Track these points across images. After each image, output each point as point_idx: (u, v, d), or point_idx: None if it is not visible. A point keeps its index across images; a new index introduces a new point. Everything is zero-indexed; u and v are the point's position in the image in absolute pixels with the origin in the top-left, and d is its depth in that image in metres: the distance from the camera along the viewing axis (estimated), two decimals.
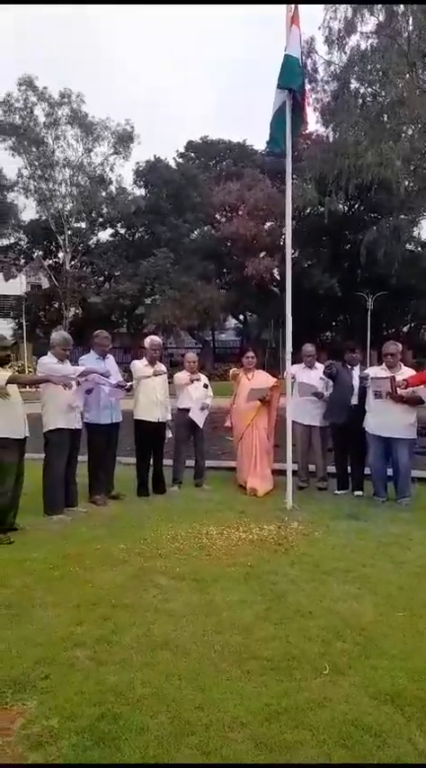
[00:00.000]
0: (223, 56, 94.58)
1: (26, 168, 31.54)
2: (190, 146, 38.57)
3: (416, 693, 2.38)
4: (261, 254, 32.22)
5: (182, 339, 38.76)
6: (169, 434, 6.32)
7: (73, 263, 33.80)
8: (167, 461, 6.37)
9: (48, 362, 5.25)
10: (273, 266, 31.00)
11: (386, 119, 21.13)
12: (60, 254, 34.88)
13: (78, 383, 5.29)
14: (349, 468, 6.17)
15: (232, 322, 45.01)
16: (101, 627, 3.00)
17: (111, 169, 33.39)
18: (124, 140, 32.64)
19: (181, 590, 3.48)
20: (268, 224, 32.54)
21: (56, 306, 35.12)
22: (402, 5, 19.28)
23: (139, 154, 51.55)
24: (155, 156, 33.82)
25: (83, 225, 34.84)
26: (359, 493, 6.05)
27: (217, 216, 37.35)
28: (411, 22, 19.37)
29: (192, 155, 38.54)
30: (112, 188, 33.66)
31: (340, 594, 3.39)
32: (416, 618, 3.07)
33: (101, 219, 35.11)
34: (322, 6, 21.21)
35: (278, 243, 30.82)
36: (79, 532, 4.67)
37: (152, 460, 6.17)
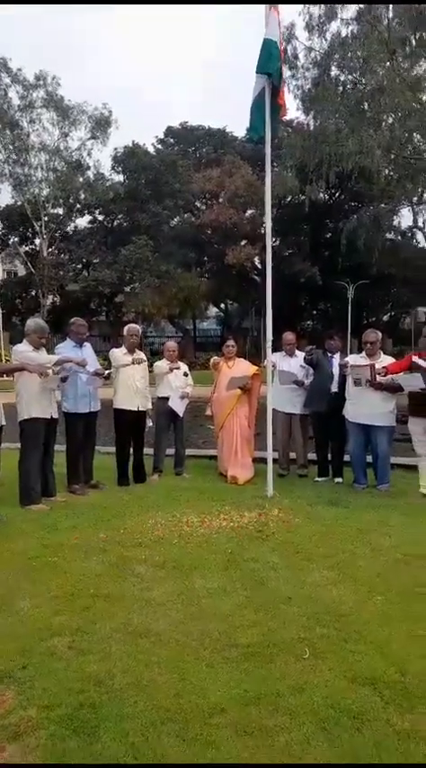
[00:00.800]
0: (203, 42, 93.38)
1: (0, 152, 30.84)
2: (170, 131, 38.02)
3: (394, 677, 2.41)
4: (242, 243, 32.07)
5: (163, 328, 38.62)
6: (149, 423, 6.28)
7: (50, 249, 33.27)
8: (147, 450, 6.34)
9: (24, 350, 5.15)
10: (254, 254, 30.89)
11: (366, 107, 21.09)
12: (37, 241, 34.27)
13: (55, 372, 5.21)
14: (329, 455, 6.22)
15: (213, 310, 44.87)
16: (80, 616, 2.98)
17: (89, 154, 32.88)
18: (102, 125, 32.09)
19: (161, 578, 3.47)
20: (248, 212, 32.35)
21: (33, 293, 34.59)
22: None
23: (118, 139, 50.81)
24: (133, 141, 33.31)
25: (60, 211, 34.28)
26: (340, 480, 6.10)
27: (197, 203, 37.02)
28: (390, 8, 19.30)
29: (171, 141, 38.00)
30: (90, 174, 33.16)
31: (319, 581, 3.42)
32: (394, 603, 3.11)
33: (78, 206, 34.55)
34: None
35: (258, 231, 30.70)
36: (58, 522, 4.62)
37: (132, 449, 6.13)
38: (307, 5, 20.74)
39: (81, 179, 32.71)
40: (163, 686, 2.37)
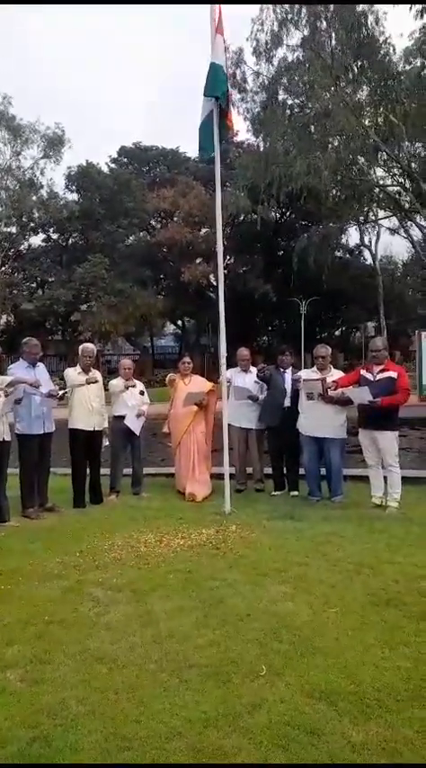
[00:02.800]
0: (154, 63, 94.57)
1: None
2: (123, 151, 38.21)
3: (349, 689, 2.44)
4: (198, 261, 32.37)
5: (120, 346, 38.33)
6: (106, 442, 6.21)
7: (3, 268, 32.62)
8: (104, 470, 6.25)
9: None
10: (209, 272, 31.19)
11: (313, 129, 21.85)
12: None
13: (6, 394, 5.10)
14: (284, 469, 6.29)
15: (170, 328, 44.91)
16: (34, 645, 2.89)
17: (42, 173, 32.56)
18: (54, 144, 31.91)
19: (118, 601, 3.42)
20: (203, 230, 32.74)
21: None
22: (324, 22, 20.02)
23: (71, 158, 50.65)
24: (87, 160, 33.27)
25: (13, 229, 33.68)
26: (295, 493, 6.18)
27: (152, 222, 37.20)
28: (333, 37, 20.15)
29: (125, 160, 38.19)
30: (43, 192, 32.79)
31: (276, 595, 3.44)
32: (348, 614, 3.15)
33: (32, 224, 34.06)
34: (249, 18, 21.70)
35: (213, 249, 30.72)
36: (11, 548, 4.50)
37: (88, 470, 6.04)
38: (255, 32, 21.35)
39: (34, 198, 32.31)
40: (119, 713, 2.32)
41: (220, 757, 2.04)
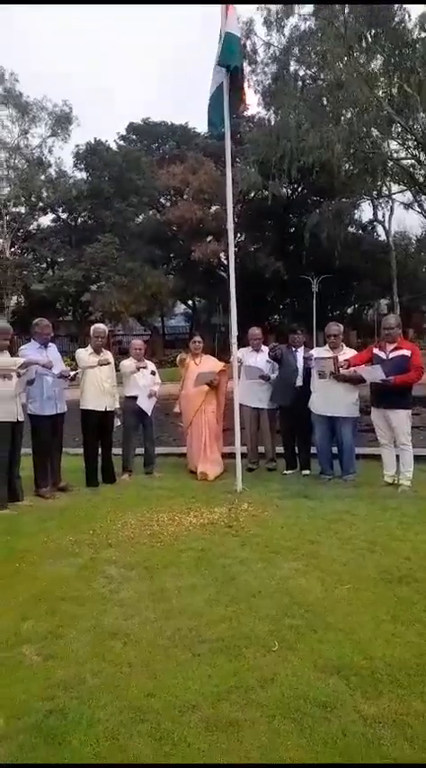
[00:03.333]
0: (164, 38, 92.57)
1: None
2: (132, 128, 37.64)
3: (361, 664, 2.46)
4: (208, 239, 32.04)
5: (131, 326, 38.27)
6: (118, 423, 6.24)
7: (12, 249, 32.56)
8: (116, 450, 6.30)
9: None
10: (220, 250, 30.89)
11: (325, 102, 21.37)
12: None
13: (19, 374, 5.12)
14: (296, 448, 6.29)
15: (181, 307, 44.75)
16: (48, 621, 2.94)
17: (50, 151, 32.31)
18: (62, 122, 31.55)
19: (131, 579, 3.46)
20: (213, 208, 32.33)
21: None
22: None
23: (79, 136, 50.10)
24: (95, 138, 32.86)
25: (22, 210, 33.55)
26: (307, 472, 6.18)
27: (162, 200, 36.82)
28: (346, 5, 19.54)
29: (134, 137, 37.64)
30: (52, 171, 32.57)
31: (288, 572, 3.46)
32: (360, 591, 3.17)
33: (41, 204, 33.89)
34: None
35: (224, 227, 30.50)
36: (26, 527, 4.56)
37: (100, 450, 6.08)
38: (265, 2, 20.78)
39: (43, 177, 32.10)
40: (133, 687, 2.37)
41: (233, 730, 2.08)
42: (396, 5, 19.38)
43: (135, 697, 2.29)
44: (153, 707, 2.23)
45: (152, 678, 2.42)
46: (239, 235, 32.10)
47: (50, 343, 5.83)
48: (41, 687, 2.38)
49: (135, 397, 6.26)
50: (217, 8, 5.35)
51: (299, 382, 6.01)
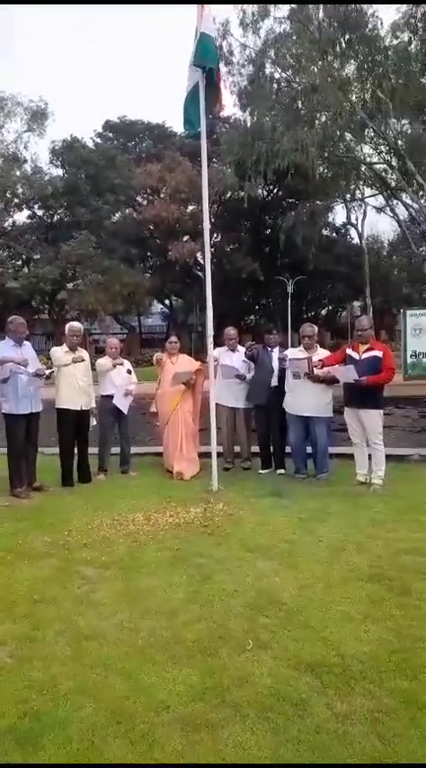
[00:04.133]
0: (141, 38, 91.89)
1: None
2: (108, 125, 37.32)
3: (333, 661, 2.50)
4: (185, 238, 31.99)
5: (107, 325, 37.94)
6: (93, 422, 6.20)
7: None
8: (92, 449, 6.25)
9: None
10: (197, 250, 30.81)
11: (300, 105, 21.52)
12: None
13: None
14: (271, 447, 6.34)
15: (158, 307, 44.56)
16: (23, 624, 2.91)
17: (26, 147, 31.83)
18: (38, 117, 31.13)
19: (106, 579, 3.45)
20: (190, 207, 32.25)
21: None
22: None
23: (54, 132, 49.44)
24: (71, 135, 32.47)
25: None
26: (282, 471, 6.24)
27: (139, 198, 36.58)
28: (321, 9, 19.73)
29: (110, 134, 37.33)
30: (27, 167, 32.05)
31: (263, 571, 3.49)
32: (333, 588, 3.22)
33: (16, 200, 33.35)
34: None
35: (200, 227, 30.57)
36: (0, 527, 4.50)
37: (76, 449, 6.03)
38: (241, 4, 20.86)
39: (18, 173, 31.56)
40: (108, 688, 2.36)
41: (208, 730, 2.09)
42: (369, 12, 19.65)
43: (110, 699, 2.29)
44: (128, 708, 2.23)
45: (127, 679, 2.42)
46: (215, 235, 32.07)
47: (25, 342, 5.76)
48: (15, 689, 2.36)
49: (111, 396, 6.23)
50: (193, 8, 5.37)
51: (275, 382, 6.06)
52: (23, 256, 33.70)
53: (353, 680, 2.36)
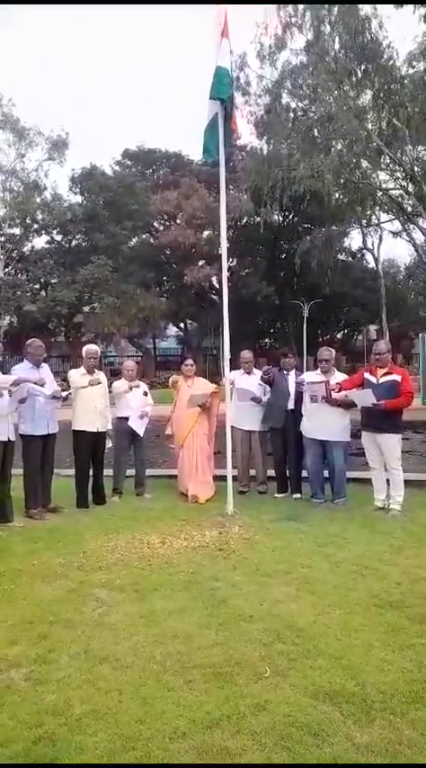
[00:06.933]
0: (158, 67, 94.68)
1: None
2: (127, 154, 38.29)
3: (352, 690, 2.44)
4: (200, 263, 32.38)
5: (123, 348, 38.33)
6: (109, 444, 6.22)
7: (6, 270, 32.69)
8: (107, 471, 6.26)
9: None
10: (212, 274, 31.19)
11: (316, 133, 21.83)
12: None
13: (10, 392, 5.12)
14: (287, 471, 6.29)
15: (173, 330, 44.91)
16: (37, 645, 2.90)
17: (46, 175, 32.70)
18: (58, 147, 32.06)
19: (121, 602, 3.42)
20: (206, 233, 32.70)
21: None
22: (328, 26, 20.06)
23: (74, 160, 50.73)
24: (91, 163, 33.36)
25: (16, 231, 33.79)
26: (298, 495, 6.17)
27: (156, 224, 37.24)
28: (337, 41, 20.16)
29: (129, 162, 38.28)
30: (47, 194, 32.90)
31: (279, 596, 3.44)
32: (351, 615, 3.16)
33: (36, 226, 34.17)
34: (253, 23, 21.76)
35: (216, 252, 30.99)
36: (15, 548, 4.51)
37: (92, 471, 6.05)
38: (258, 35, 21.41)
39: (38, 199, 32.39)
40: (123, 713, 2.33)
41: (224, 758, 2.05)
42: (384, 42, 20.04)
43: (125, 724, 2.26)
44: (143, 734, 2.20)
45: (142, 704, 2.39)
46: (231, 260, 32.41)
47: (43, 364, 5.84)
48: (30, 713, 2.34)
49: (126, 418, 6.26)
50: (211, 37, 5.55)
51: (291, 405, 6.04)
52: (41, 280, 34.36)
53: (373, 710, 2.31)
